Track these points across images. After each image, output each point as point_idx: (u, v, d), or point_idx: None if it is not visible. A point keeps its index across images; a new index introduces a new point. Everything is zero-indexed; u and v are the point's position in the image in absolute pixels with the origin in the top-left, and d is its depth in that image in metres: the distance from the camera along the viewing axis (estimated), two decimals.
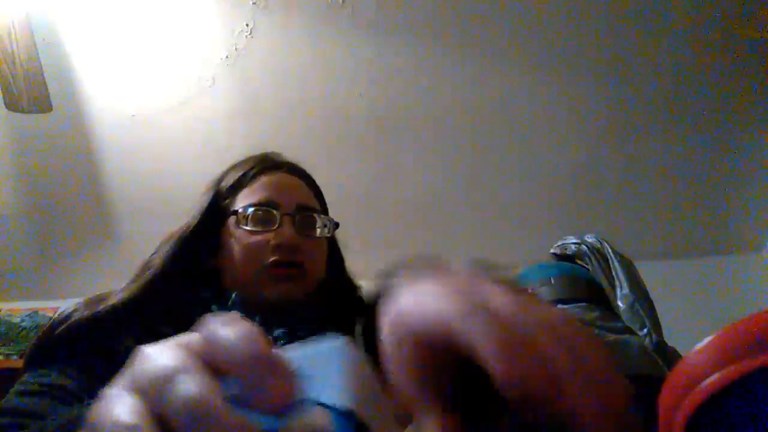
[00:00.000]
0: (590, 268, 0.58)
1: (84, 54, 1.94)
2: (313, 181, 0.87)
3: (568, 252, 0.62)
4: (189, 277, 0.74)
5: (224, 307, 0.70)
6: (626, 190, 2.29)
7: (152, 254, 0.76)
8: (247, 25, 1.85)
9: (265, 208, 0.76)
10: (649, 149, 2.17)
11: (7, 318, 2.58)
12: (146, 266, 0.75)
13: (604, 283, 0.56)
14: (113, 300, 0.69)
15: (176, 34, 1.88)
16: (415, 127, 2.11)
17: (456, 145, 2.16)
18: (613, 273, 0.57)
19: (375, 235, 2.25)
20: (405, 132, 2.13)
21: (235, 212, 0.77)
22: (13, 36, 1.54)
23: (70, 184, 2.29)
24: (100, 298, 0.70)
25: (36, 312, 2.60)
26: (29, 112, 1.71)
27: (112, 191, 2.30)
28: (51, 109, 1.75)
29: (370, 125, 2.10)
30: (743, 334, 0.19)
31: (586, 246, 0.60)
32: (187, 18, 1.84)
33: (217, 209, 0.79)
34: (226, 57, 1.92)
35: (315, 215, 0.80)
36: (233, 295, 0.71)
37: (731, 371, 0.19)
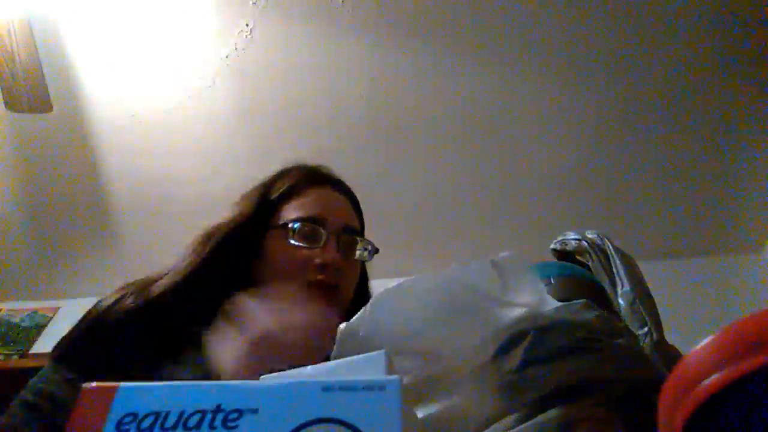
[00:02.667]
0: (590, 265, 0.58)
1: (84, 54, 1.94)
2: (357, 201, 0.89)
3: (568, 248, 0.61)
4: (222, 281, 0.72)
5: None
6: (626, 189, 2.29)
7: (191, 249, 0.75)
8: (247, 24, 1.85)
9: (312, 225, 0.76)
10: (650, 149, 2.17)
11: (7, 318, 2.58)
12: (182, 260, 0.74)
13: (605, 281, 0.56)
14: (146, 295, 0.68)
15: (176, 33, 1.88)
16: (415, 127, 2.11)
17: (456, 145, 2.16)
18: (614, 270, 0.56)
19: (374, 235, 2.25)
20: (405, 131, 2.13)
21: (284, 225, 0.76)
22: (13, 36, 1.54)
23: (70, 184, 2.29)
24: (131, 291, 0.68)
25: (36, 312, 2.60)
26: (29, 112, 1.71)
27: (112, 191, 2.29)
28: (51, 109, 1.74)
29: (370, 125, 2.10)
30: (743, 334, 0.19)
31: (587, 242, 0.59)
32: (187, 18, 1.84)
33: (262, 216, 0.79)
34: (226, 57, 1.92)
35: (357, 238, 0.82)
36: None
37: (731, 371, 0.19)
